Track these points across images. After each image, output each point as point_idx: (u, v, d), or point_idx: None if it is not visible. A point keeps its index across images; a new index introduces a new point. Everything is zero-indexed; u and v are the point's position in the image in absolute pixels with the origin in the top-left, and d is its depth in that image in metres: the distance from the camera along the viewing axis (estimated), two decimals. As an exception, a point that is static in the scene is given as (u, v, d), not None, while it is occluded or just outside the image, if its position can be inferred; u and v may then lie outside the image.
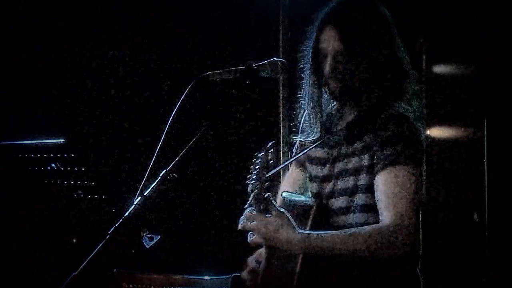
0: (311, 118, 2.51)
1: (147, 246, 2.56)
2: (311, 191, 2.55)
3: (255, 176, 2.41)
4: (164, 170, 2.39)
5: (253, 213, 2.37)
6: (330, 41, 2.37)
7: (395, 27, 2.41)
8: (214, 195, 4.63)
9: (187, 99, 2.42)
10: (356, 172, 2.37)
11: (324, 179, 2.48)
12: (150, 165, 2.37)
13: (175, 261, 4.24)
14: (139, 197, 2.35)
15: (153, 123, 4.48)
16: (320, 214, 2.41)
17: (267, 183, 2.38)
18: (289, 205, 2.46)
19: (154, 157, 2.37)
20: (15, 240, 3.91)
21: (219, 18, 4.49)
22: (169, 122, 2.41)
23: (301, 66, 2.54)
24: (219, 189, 4.61)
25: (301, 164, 2.63)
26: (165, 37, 4.65)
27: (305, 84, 2.53)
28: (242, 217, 2.41)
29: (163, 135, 2.40)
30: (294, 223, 2.30)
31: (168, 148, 2.40)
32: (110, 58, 4.63)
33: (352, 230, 2.28)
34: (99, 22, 4.60)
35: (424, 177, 2.33)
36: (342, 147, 2.44)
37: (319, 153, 2.52)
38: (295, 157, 2.59)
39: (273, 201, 2.36)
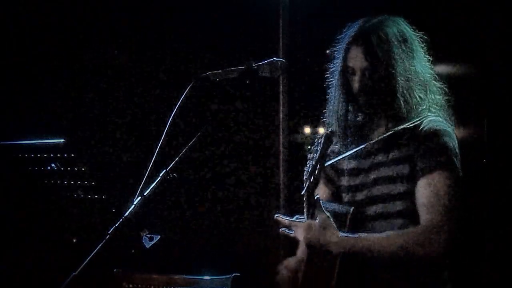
0: (338, 132, 2.62)
1: (147, 246, 2.56)
2: (343, 200, 2.65)
3: (311, 166, 2.46)
4: (164, 170, 2.39)
5: (302, 223, 2.46)
6: (357, 60, 2.50)
7: (417, 41, 2.55)
8: (214, 195, 4.63)
9: (187, 99, 2.42)
10: (393, 180, 2.49)
11: (357, 189, 2.60)
12: (150, 165, 2.37)
13: (175, 261, 4.25)
14: (139, 197, 2.35)
15: (153, 123, 4.49)
16: (355, 220, 2.51)
17: (315, 180, 2.43)
18: None
19: (154, 157, 2.37)
20: (15, 240, 3.91)
21: (219, 18, 4.49)
22: (169, 122, 2.42)
23: (329, 83, 2.63)
24: (219, 189, 4.61)
25: (327, 179, 2.74)
26: (165, 37, 4.64)
27: (332, 100, 2.63)
28: (292, 224, 2.49)
29: (163, 135, 2.40)
30: (335, 226, 2.42)
31: (168, 148, 2.40)
32: (111, 58, 4.63)
33: (391, 232, 2.40)
34: (99, 22, 4.60)
35: (461, 181, 2.44)
36: (376, 157, 2.55)
37: (352, 164, 2.64)
38: (336, 159, 2.64)
39: (321, 205, 2.44)
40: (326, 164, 2.50)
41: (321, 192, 2.76)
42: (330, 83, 2.63)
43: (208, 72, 2.50)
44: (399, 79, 2.46)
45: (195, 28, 4.56)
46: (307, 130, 4.53)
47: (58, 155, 3.55)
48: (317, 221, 2.42)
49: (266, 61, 2.52)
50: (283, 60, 2.56)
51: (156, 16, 4.61)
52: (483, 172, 3.93)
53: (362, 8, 2.63)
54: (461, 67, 4.24)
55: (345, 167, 2.66)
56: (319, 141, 2.47)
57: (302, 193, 2.48)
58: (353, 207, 2.54)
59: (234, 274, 2.87)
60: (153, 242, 2.55)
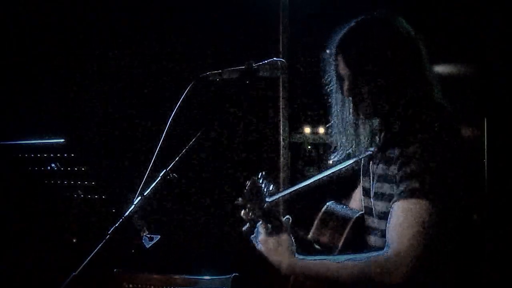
0: (342, 135, 2.54)
1: (147, 246, 2.56)
2: (362, 204, 2.58)
3: (254, 205, 2.41)
4: (164, 170, 2.39)
5: (264, 228, 2.45)
6: (341, 67, 2.44)
7: (408, 42, 2.41)
8: (214, 195, 4.63)
9: (187, 99, 2.42)
10: (387, 198, 2.39)
11: (368, 194, 2.52)
12: (150, 165, 2.37)
13: (175, 261, 4.24)
14: (139, 197, 2.35)
15: (153, 123, 4.49)
16: (356, 229, 2.47)
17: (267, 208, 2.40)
18: (330, 214, 2.53)
19: (154, 157, 2.37)
20: (15, 240, 3.91)
21: (219, 18, 4.49)
22: (169, 122, 2.42)
23: (329, 89, 2.56)
24: (219, 189, 4.61)
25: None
26: (165, 37, 4.64)
27: (334, 105, 2.56)
28: (255, 229, 2.50)
29: (163, 135, 2.40)
30: (293, 249, 2.38)
31: (168, 148, 2.40)
32: (110, 58, 4.63)
33: (349, 258, 2.30)
34: (99, 22, 4.60)
35: (439, 211, 2.26)
36: (379, 166, 2.45)
37: (367, 167, 2.55)
38: (304, 183, 2.57)
39: (288, 225, 2.42)
40: (269, 200, 2.42)
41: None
42: (329, 88, 2.56)
43: (208, 72, 2.50)
44: (381, 86, 2.36)
45: (195, 28, 4.56)
46: (307, 130, 4.53)
47: (58, 155, 3.55)
48: (274, 236, 2.40)
49: (266, 61, 2.51)
50: (283, 60, 2.55)
51: (156, 16, 4.61)
52: (483, 172, 3.94)
53: (362, 8, 2.62)
54: (461, 67, 4.25)
55: (366, 169, 2.57)
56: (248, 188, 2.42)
57: (245, 229, 2.49)
58: (359, 213, 2.50)
59: (234, 274, 2.87)
60: (153, 242, 2.55)
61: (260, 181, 2.42)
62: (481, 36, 3.97)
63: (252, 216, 2.42)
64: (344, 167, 2.56)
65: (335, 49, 2.45)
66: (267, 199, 2.40)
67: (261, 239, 2.45)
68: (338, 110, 2.54)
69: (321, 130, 4.51)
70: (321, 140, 4.51)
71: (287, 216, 2.44)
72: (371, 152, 2.48)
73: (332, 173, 2.56)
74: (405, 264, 2.19)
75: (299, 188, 2.55)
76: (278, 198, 2.50)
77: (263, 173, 2.48)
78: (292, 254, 2.37)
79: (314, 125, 4.51)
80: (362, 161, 2.60)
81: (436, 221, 2.22)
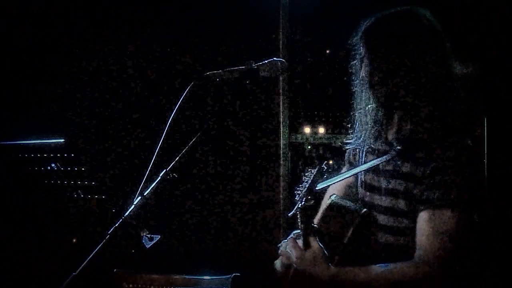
0: (359, 124, 2.58)
1: (147, 246, 2.56)
2: (361, 198, 2.60)
3: (304, 190, 2.45)
4: (164, 170, 2.39)
5: (294, 243, 2.46)
6: (366, 52, 2.47)
7: (426, 40, 2.45)
8: (214, 195, 4.63)
9: (187, 99, 2.43)
10: (403, 195, 2.41)
11: (374, 189, 2.53)
12: (150, 165, 2.37)
13: (175, 261, 4.24)
14: (139, 197, 2.36)
15: (153, 123, 4.49)
16: (363, 225, 2.48)
17: (311, 202, 2.43)
18: (336, 209, 2.54)
19: (154, 157, 2.37)
20: (15, 240, 3.91)
21: (219, 18, 4.49)
22: (169, 122, 2.42)
23: (352, 78, 2.59)
24: (219, 189, 4.61)
25: (349, 163, 2.71)
26: (165, 37, 4.65)
27: (357, 92, 2.58)
28: (285, 242, 2.52)
29: (163, 135, 2.40)
30: (327, 258, 2.38)
31: (168, 148, 2.40)
32: (110, 58, 4.64)
33: (384, 268, 2.33)
34: (99, 23, 4.60)
35: (469, 220, 2.33)
36: (397, 163, 2.45)
37: (369, 159, 2.56)
38: (352, 173, 2.59)
39: (316, 236, 2.42)
40: (318, 188, 2.48)
41: (344, 183, 2.73)
42: (354, 75, 2.58)
43: (208, 72, 2.50)
44: (401, 76, 2.39)
45: (196, 28, 4.56)
46: (307, 130, 4.53)
47: (58, 155, 3.55)
48: (307, 251, 2.41)
49: (266, 61, 2.51)
50: (283, 60, 2.55)
51: (157, 16, 4.62)
52: (483, 172, 3.93)
53: (362, 8, 2.62)
54: (461, 67, 4.25)
55: (362, 160, 2.60)
56: (312, 172, 2.46)
57: (290, 214, 2.48)
58: (365, 209, 2.51)
59: (234, 274, 2.87)
60: (153, 242, 2.55)
61: (322, 170, 2.46)
62: (481, 36, 3.97)
63: (298, 198, 2.43)
64: (381, 162, 2.55)
65: (362, 35, 2.48)
66: (317, 187, 2.45)
67: (297, 255, 2.44)
68: (361, 97, 2.56)
69: (321, 130, 4.51)
70: (321, 140, 4.51)
71: (315, 226, 2.45)
72: (400, 149, 2.47)
73: (371, 166, 2.57)
74: (436, 273, 2.25)
75: (345, 177, 2.58)
76: (327, 186, 2.55)
77: (326, 162, 2.50)
78: (327, 267, 2.38)
79: (314, 125, 4.51)
80: (364, 156, 2.61)
81: (464, 230, 2.29)
